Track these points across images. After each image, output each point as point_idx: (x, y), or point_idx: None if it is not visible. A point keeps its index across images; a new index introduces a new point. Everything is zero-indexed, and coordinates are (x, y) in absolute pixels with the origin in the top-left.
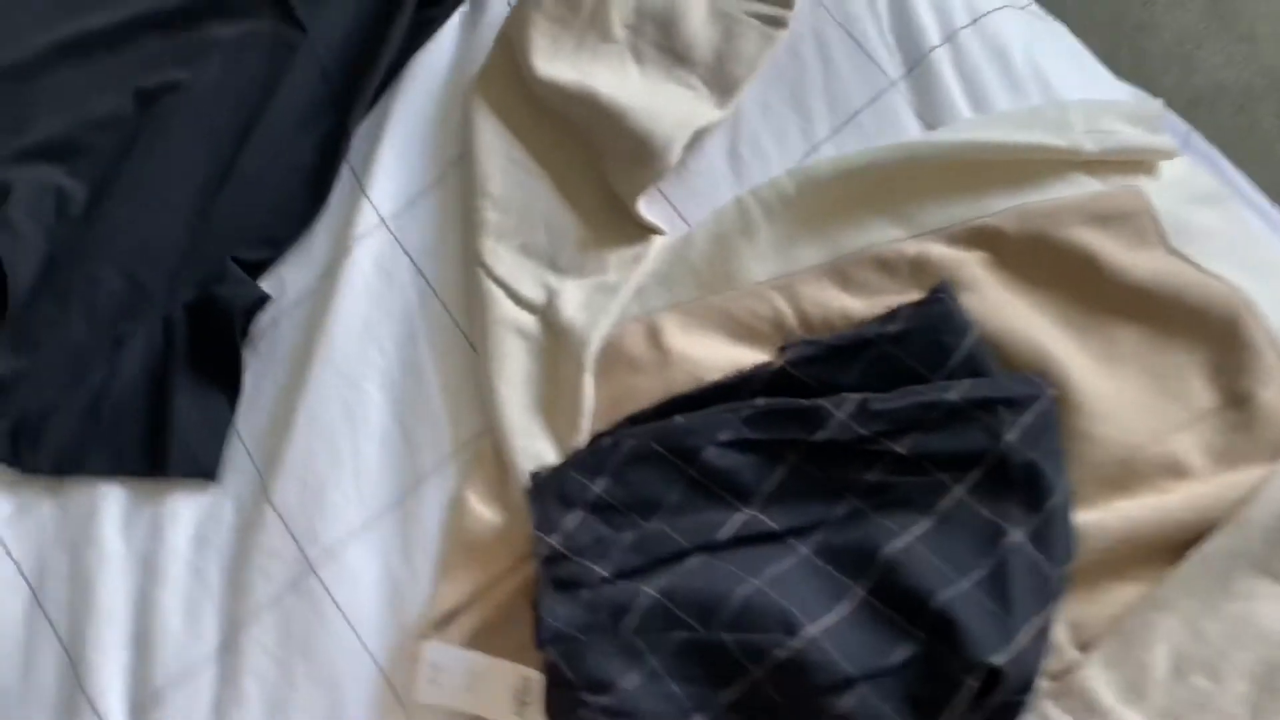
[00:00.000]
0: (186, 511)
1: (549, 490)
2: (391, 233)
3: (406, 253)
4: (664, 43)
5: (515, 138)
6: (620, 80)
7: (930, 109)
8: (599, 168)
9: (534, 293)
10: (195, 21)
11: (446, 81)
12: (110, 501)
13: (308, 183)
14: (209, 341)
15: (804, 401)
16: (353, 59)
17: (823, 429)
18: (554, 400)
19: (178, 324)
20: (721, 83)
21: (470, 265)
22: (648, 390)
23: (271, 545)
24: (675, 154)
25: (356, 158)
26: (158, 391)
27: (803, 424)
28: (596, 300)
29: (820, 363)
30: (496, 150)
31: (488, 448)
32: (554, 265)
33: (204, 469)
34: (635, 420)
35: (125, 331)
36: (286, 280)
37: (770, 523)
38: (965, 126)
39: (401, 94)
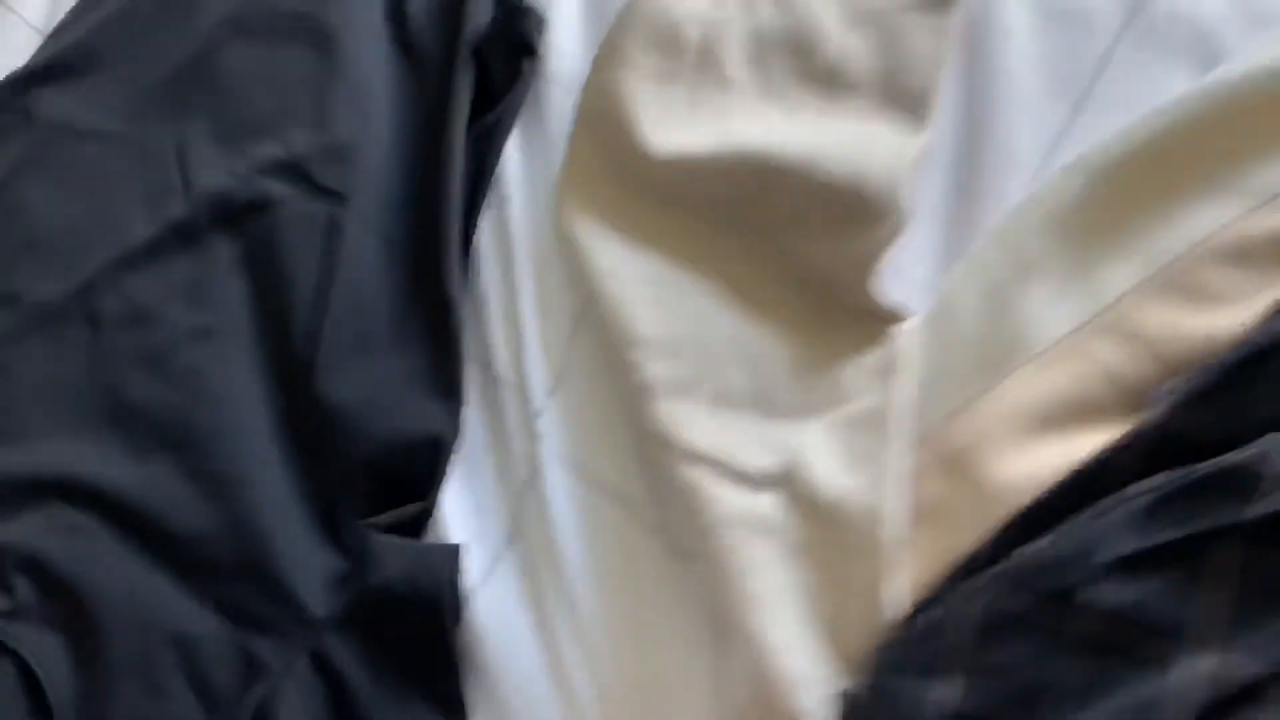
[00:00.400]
0: None
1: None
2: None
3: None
4: (803, 69)
5: (643, 251)
6: (770, 128)
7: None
8: (784, 256)
9: (761, 459)
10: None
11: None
12: None
13: (430, 384)
14: (394, 657)
15: (1230, 459)
16: (417, 205)
17: (1260, 498)
18: (841, 618)
19: (337, 652)
20: (903, 99)
21: (646, 450)
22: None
23: None
24: (906, 197)
25: None
26: None
27: (1233, 495)
28: (861, 445)
29: (1208, 404)
30: (627, 276)
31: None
32: (770, 409)
33: None
34: (965, 571)
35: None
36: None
37: (1241, 668)
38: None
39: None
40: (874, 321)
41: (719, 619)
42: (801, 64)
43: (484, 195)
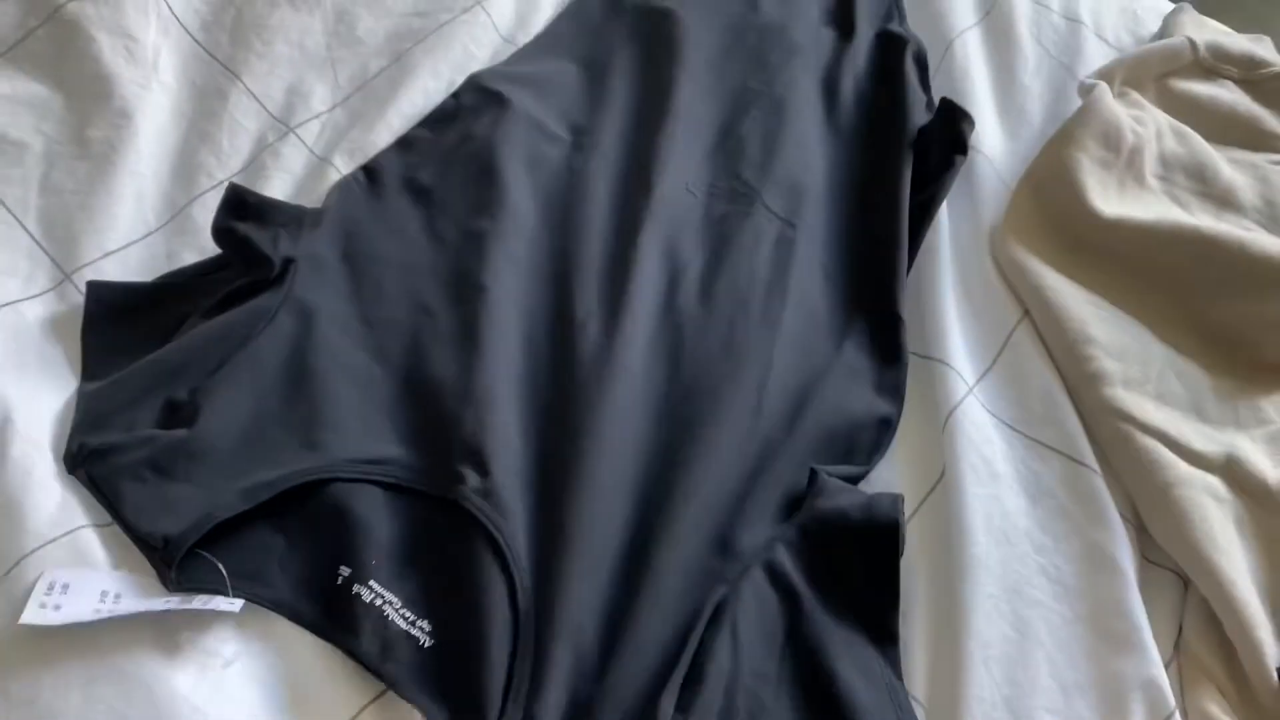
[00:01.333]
0: None
1: None
2: (982, 403)
3: (1004, 422)
4: (1202, 190)
5: (1081, 287)
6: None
7: None
8: (1197, 313)
9: (1205, 446)
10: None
11: (958, 243)
12: None
13: (877, 381)
14: (842, 583)
15: None
16: (854, 243)
17: None
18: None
19: (789, 567)
20: None
21: (1102, 420)
22: None
23: None
24: None
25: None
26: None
27: None
28: None
29: None
30: (1071, 292)
31: (1197, 647)
32: (1204, 417)
33: None
34: None
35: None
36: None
37: None
38: None
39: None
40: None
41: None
42: (1201, 184)
43: (919, 245)
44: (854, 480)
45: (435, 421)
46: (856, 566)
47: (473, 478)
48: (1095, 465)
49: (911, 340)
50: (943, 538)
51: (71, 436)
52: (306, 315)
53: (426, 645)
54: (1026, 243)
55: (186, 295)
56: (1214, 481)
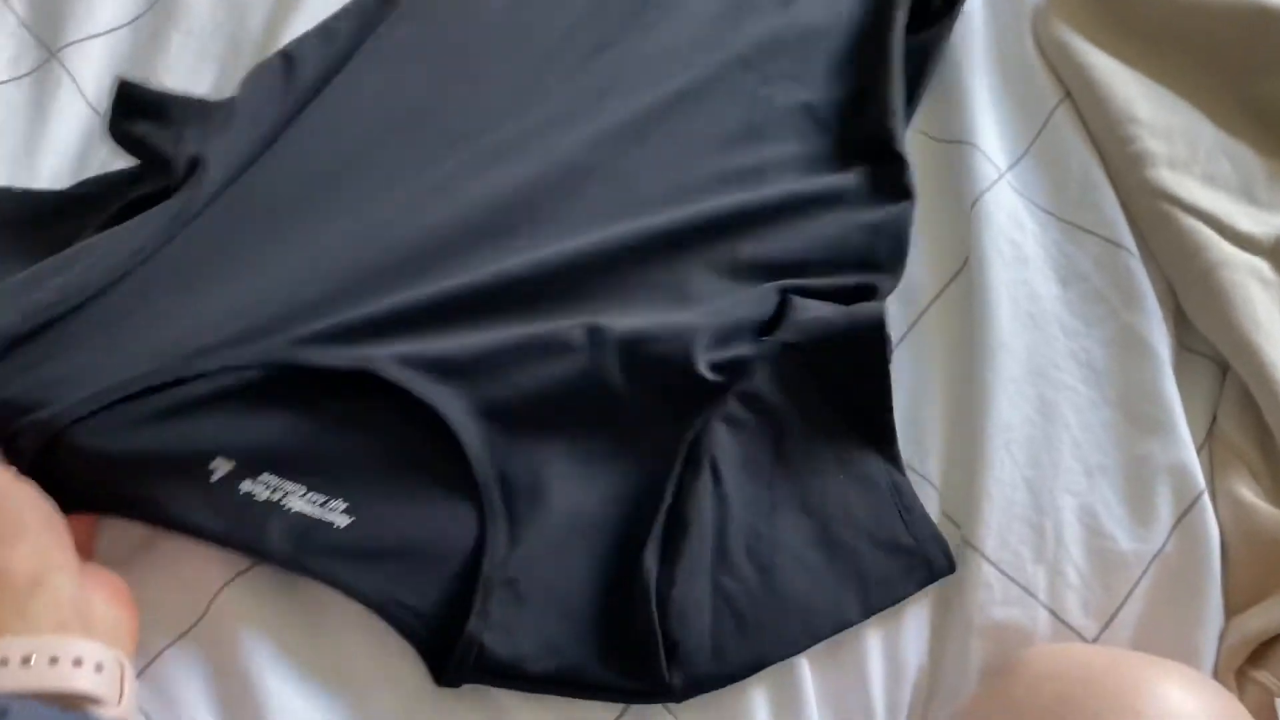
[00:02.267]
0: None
1: None
2: (1014, 186)
3: (1038, 206)
4: None
5: (1128, 66)
6: None
7: None
8: (1251, 95)
9: (1252, 228)
10: None
11: (996, 25)
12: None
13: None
14: (825, 391)
15: None
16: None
17: None
18: None
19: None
20: None
21: (1144, 201)
22: None
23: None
24: None
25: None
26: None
27: None
28: None
29: None
30: (1124, 77)
31: (1230, 431)
32: (1253, 200)
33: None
34: None
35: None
36: None
37: None
38: None
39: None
40: None
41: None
42: None
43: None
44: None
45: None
46: (841, 372)
47: (378, 352)
48: (1134, 248)
49: (938, 125)
50: (965, 322)
51: None
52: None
53: (345, 525)
54: (1072, 21)
55: (89, 207)
56: (1260, 264)
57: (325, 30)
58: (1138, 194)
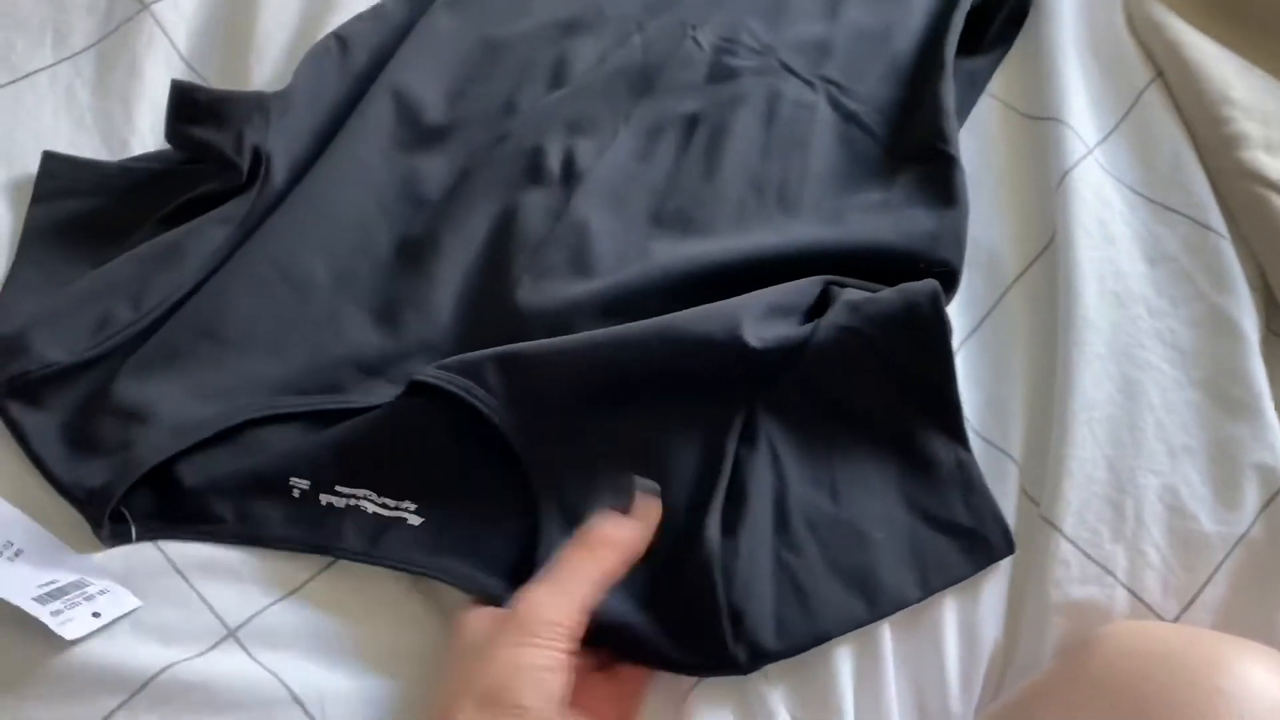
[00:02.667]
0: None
1: None
2: (1102, 164)
3: (1126, 185)
4: None
5: (1223, 47)
6: None
7: None
8: None
9: None
10: None
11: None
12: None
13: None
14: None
15: None
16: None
17: None
18: None
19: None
20: None
21: (1236, 184)
22: None
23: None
24: None
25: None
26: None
27: None
28: None
29: None
30: (1219, 57)
31: None
32: None
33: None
34: None
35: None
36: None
37: None
38: None
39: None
40: None
41: None
42: None
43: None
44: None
45: (389, 342)
46: (902, 350)
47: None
48: (1223, 230)
49: (1024, 100)
50: (1049, 300)
51: None
52: (257, 235)
53: (417, 524)
54: (1166, 0)
55: (154, 184)
56: None
57: (377, 11)
58: (1230, 176)
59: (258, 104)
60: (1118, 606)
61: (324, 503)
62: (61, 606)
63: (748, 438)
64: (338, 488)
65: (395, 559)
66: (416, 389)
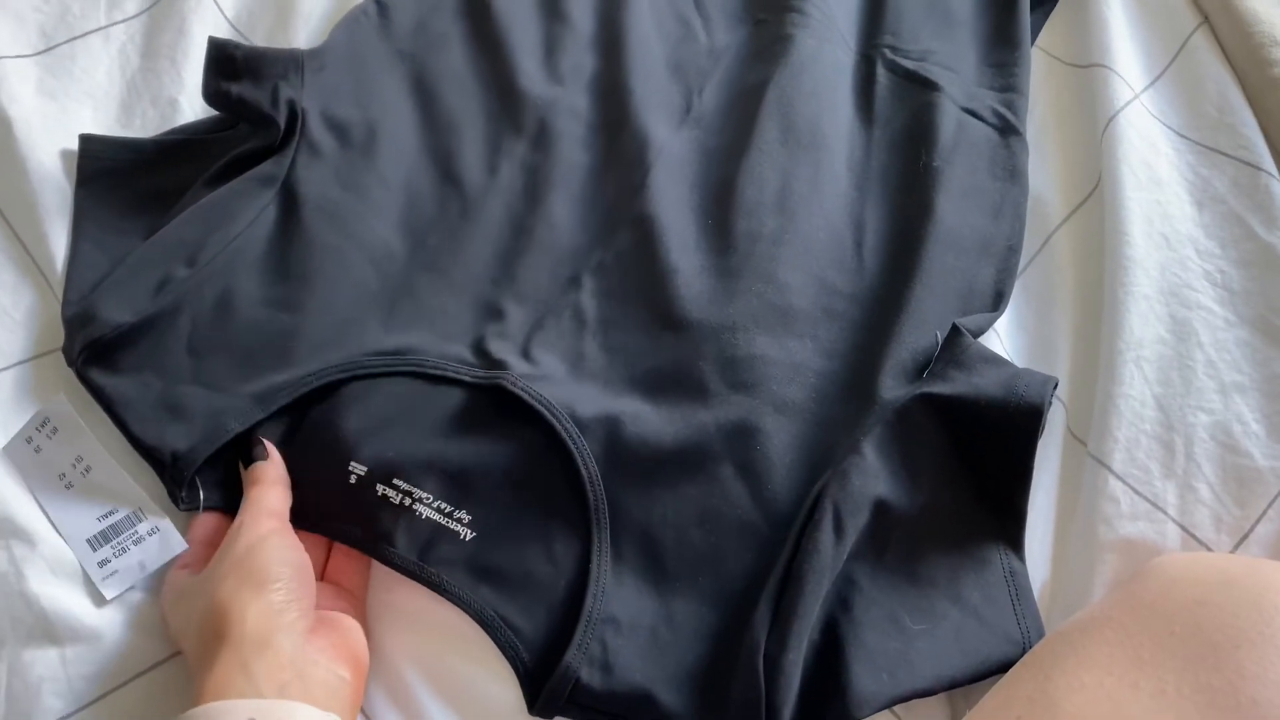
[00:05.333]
0: None
1: None
2: (1148, 109)
3: (1173, 129)
4: None
5: None
6: None
7: None
8: None
9: None
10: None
11: None
12: None
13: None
14: (971, 454)
15: None
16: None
17: None
18: None
19: (912, 429)
20: None
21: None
22: None
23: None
24: None
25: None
26: None
27: None
28: None
29: None
30: (1268, 1)
31: None
32: None
33: None
34: None
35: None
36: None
37: None
38: None
39: None
40: None
41: None
42: None
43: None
44: (987, 327)
45: (463, 302)
46: (985, 443)
47: (518, 363)
48: (1274, 170)
49: (1068, 49)
50: (1096, 243)
51: (67, 330)
52: (306, 194)
53: (469, 538)
54: None
55: (189, 155)
56: None
57: None
58: (1273, 115)
59: (293, 60)
60: (1169, 543)
61: (380, 493)
62: (110, 554)
63: (817, 509)
64: (395, 480)
65: (440, 580)
66: (499, 393)
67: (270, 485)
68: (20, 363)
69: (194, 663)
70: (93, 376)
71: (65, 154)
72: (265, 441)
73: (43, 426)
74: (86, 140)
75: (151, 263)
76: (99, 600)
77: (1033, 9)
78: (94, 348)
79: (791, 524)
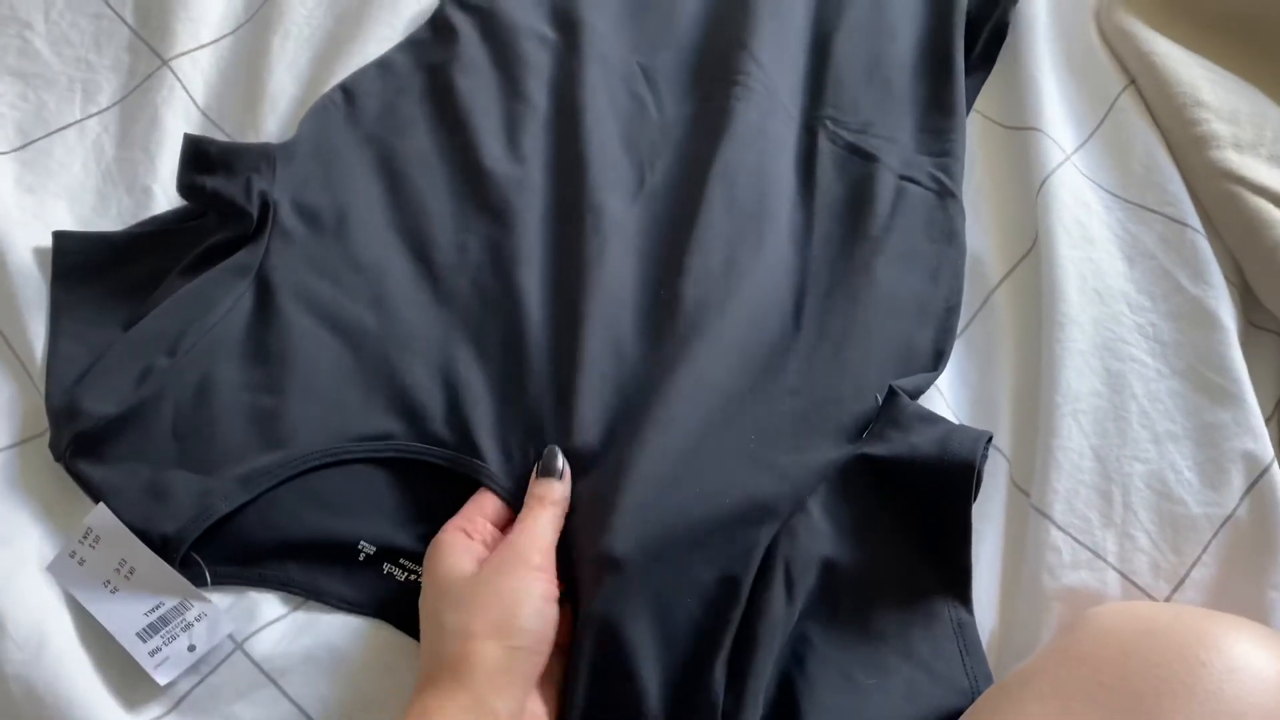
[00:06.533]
0: None
1: None
2: (1080, 169)
3: (1103, 188)
4: None
5: (1192, 53)
6: None
7: None
8: None
9: None
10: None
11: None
12: None
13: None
14: (907, 515)
15: None
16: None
17: None
18: None
19: (851, 497)
20: None
21: (1209, 182)
22: None
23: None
24: None
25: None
26: None
27: None
28: None
29: None
30: (1183, 58)
31: None
32: None
33: None
34: None
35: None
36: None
37: None
38: None
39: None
40: None
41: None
42: None
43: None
44: (926, 386)
45: (440, 389)
46: (925, 500)
47: (494, 458)
48: (1199, 226)
49: (1003, 112)
50: (1034, 300)
51: (53, 424)
52: (280, 280)
53: None
54: (1135, 10)
55: (161, 246)
56: None
57: (383, 64)
58: (1203, 175)
59: (264, 155)
60: (1110, 589)
61: (385, 570)
62: (160, 643)
63: (767, 566)
64: (403, 560)
65: None
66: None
67: (554, 508)
68: (4, 449)
69: (426, 665)
70: (81, 469)
71: (42, 249)
72: (562, 457)
73: (85, 538)
74: (60, 237)
75: (132, 354)
76: None
77: (969, 75)
78: (80, 440)
79: (744, 576)
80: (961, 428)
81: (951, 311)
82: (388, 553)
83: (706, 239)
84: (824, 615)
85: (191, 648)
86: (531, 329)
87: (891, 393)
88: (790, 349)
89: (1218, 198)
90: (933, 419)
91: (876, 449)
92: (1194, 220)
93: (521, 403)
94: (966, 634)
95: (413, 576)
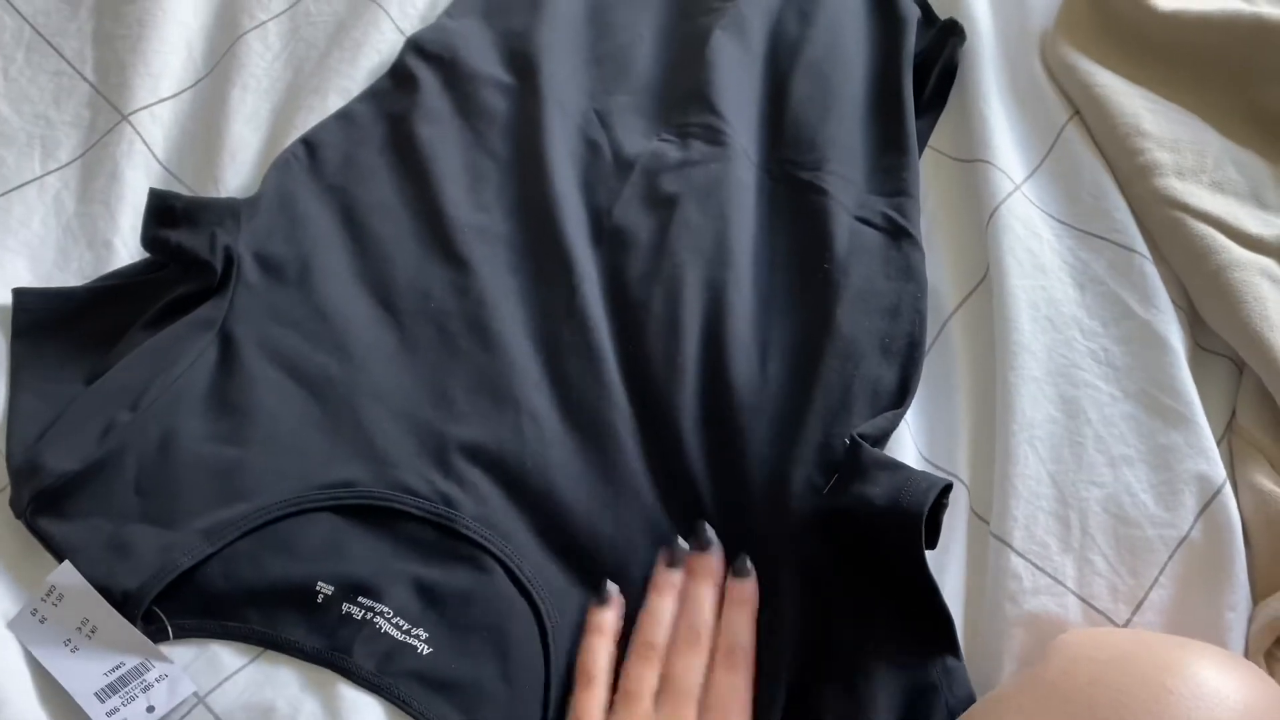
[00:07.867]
0: None
1: None
2: (1029, 199)
3: (1052, 217)
4: None
5: (1134, 84)
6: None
7: None
8: (1253, 103)
9: (1261, 230)
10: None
11: (1005, 51)
12: None
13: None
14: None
15: None
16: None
17: None
18: None
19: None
20: None
21: (1153, 209)
22: None
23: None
24: None
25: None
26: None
27: None
28: None
29: None
30: (1124, 89)
31: (1249, 425)
32: (1261, 204)
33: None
34: None
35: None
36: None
37: None
38: None
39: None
40: None
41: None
42: None
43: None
44: (894, 425)
45: (403, 428)
46: (884, 550)
47: (466, 504)
48: (1146, 252)
49: (953, 145)
50: (986, 329)
51: (13, 482)
52: (244, 332)
53: (425, 653)
54: (1078, 43)
55: (123, 299)
56: (1270, 264)
57: (345, 115)
58: (1148, 202)
59: (229, 209)
60: (1071, 615)
61: (344, 610)
62: (119, 703)
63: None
64: (360, 599)
65: (397, 693)
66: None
67: (605, 638)
68: None
69: None
70: (42, 526)
71: (1, 306)
72: (613, 585)
73: (48, 595)
74: (19, 294)
75: (95, 409)
76: None
77: (922, 115)
78: (41, 497)
79: None
80: (919, 477)
81: (915, 345)
82: (345, 591)
83: (671, 289)
84: (798, 665)
85: (150, 709)
86: (505, 371)
87: (854, 441)
88: (755, 398)
89: (1162, 224)
90: (892, 466)
91: (834, 502)
92: (1141, 246)
93: (494, 450)
94: (954, 681)
95: (369, 615)
